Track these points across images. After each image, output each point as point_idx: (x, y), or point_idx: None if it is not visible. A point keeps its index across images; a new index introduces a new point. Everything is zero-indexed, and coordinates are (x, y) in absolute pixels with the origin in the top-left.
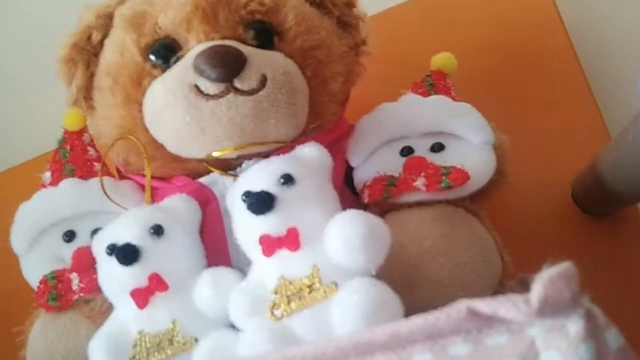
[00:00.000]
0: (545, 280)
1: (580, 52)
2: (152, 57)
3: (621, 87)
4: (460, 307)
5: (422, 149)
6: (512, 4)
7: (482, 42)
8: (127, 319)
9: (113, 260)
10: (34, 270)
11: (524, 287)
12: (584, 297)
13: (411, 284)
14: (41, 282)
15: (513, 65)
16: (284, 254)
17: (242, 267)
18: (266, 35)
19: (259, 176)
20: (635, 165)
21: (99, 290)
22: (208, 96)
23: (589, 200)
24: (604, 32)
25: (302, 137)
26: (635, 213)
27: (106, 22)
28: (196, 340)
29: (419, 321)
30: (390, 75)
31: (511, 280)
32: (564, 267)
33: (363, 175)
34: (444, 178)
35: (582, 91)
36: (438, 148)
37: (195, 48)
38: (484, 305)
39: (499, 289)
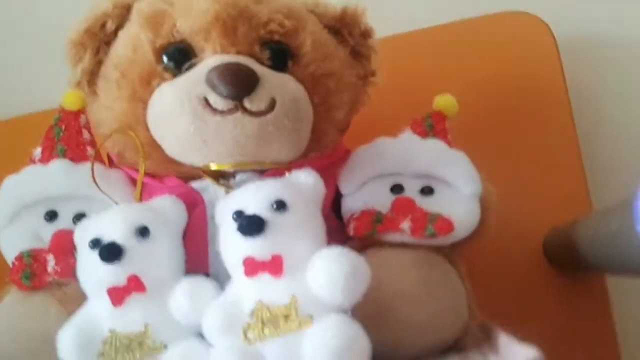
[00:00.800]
0: None
1: (578, 115)
2: (165, 59)
3: (611, 155)
4: None
5: (412, 189)
6: (518, 52)
7: (479, 85)
8: (99, 313)
9: (95, 255)
10: (11, 244)
11: (485, 332)
12: None
13: (380, 323)
14: (16, 258)
15: (507, 113)
16: (265, 278)
17: (219, 275)
18: (281, 56)
19: (253, 197)
20: (615, 246)
21: (73, 275)
22: (216, 111)
23: (560, 258)
24: (606, 100)
25: (300, 160)
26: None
27: (122, 12)
28: (165, 347)
29: None
30: (386, 101)
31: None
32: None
33: (351, 204)
34: (429, 225)
35: (572, 152)
36: (427, 191)
37: (209, 58)
38: None
39: (462, 335)
